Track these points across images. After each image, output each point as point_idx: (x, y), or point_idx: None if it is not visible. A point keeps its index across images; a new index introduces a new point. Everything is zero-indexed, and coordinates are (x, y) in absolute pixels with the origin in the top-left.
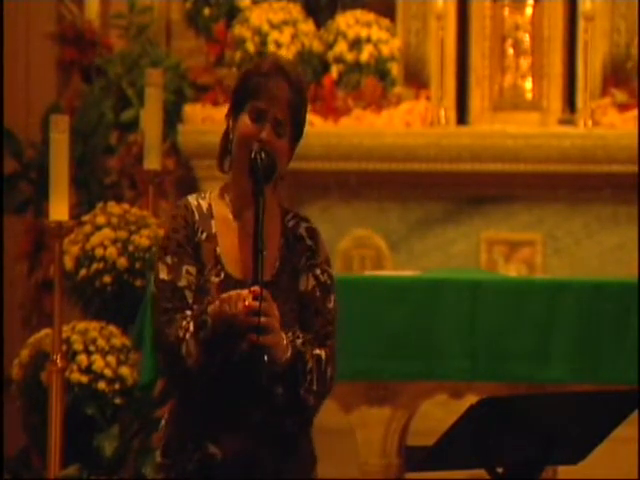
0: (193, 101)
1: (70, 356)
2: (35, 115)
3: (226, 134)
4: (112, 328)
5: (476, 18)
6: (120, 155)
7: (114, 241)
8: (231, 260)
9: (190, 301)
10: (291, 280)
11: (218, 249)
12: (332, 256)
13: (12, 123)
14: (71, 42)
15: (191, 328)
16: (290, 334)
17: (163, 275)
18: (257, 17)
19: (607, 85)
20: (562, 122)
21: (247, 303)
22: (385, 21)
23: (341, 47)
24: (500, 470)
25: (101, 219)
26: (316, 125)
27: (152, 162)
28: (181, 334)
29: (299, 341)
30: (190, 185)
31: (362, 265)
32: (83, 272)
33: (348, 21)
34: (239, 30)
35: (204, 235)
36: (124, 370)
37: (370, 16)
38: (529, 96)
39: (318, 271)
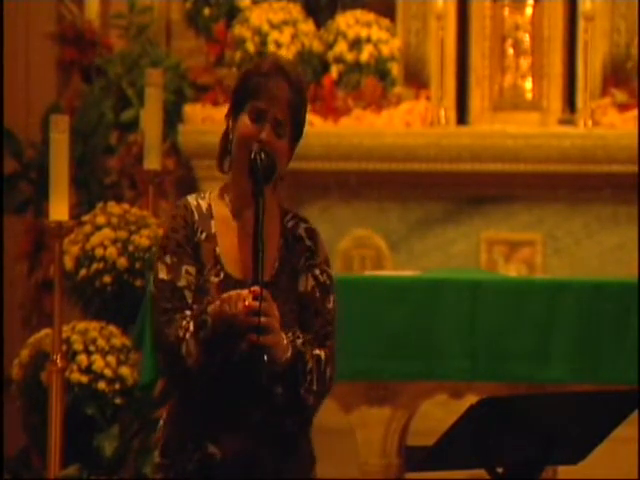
0: (193, 101)
1: (70, 356)
2: (35, 115)
3: (226, 134)
4: (112, 328)
5: (476, 18)
6: (120, 155)
7: (114, 241)
8: (231, 260)
9: (190, 301)
10: (290, 280)
11: (218, 249)
12: (332, 256)
13: (12, 123)
14: (71, 42)
15: (191, 328)
16: (290, 334)
17: (162, 275)
18: (257, 17)
19: (607, 85)
20: (562, 122)
21: (247, 303)
22: (385, 21)
23: (341, 47)
24: (500, 470)
25: (101, 219)
26: (316, 125)
27: (152, 162)
28: (181, 334)
29: (299, 341)
30: (190, 185)
31: (362, 265)
32: (83, 272)
33: (348, 21)
34: (239, 30)
35: (204, 235)
36: (124, 370)
37: (370, 16)
38: (529, 96)
39: (317, 271)
